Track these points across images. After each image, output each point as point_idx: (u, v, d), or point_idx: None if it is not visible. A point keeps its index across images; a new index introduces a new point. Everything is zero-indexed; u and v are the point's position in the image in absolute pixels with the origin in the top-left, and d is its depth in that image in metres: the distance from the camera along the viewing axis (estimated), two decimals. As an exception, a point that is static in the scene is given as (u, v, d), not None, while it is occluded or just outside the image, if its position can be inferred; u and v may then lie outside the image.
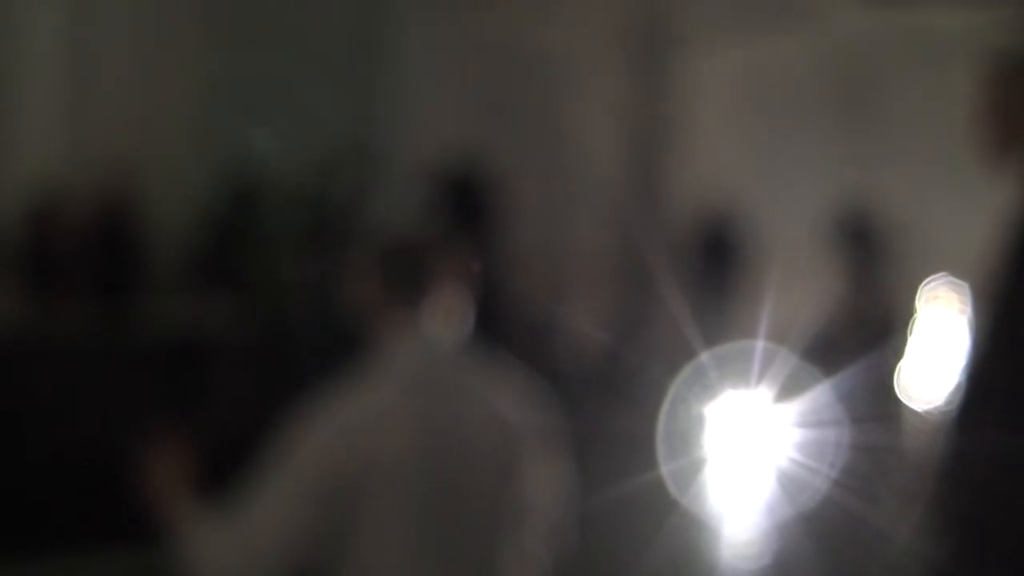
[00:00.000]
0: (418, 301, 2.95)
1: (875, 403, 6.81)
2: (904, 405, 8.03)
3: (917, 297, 8.82)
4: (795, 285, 10.07)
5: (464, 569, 2.90)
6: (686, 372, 6.40)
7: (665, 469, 6.01)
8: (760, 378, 5.89)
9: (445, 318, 2.98)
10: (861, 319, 7.43)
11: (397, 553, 2.82)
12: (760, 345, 5.84)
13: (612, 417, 7.75)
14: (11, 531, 4.74)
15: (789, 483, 6.15)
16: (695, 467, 6.87)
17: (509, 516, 2.95)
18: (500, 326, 5.97)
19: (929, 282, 8.89)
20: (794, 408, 6.12)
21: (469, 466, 2.90)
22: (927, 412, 7.51)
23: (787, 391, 6.04)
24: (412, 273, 2.95)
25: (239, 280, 9.19)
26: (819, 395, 6.02)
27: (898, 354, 8.07)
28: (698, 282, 10.95)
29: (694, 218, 12.21)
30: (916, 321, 8.71)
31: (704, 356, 6.36)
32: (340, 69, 12.18)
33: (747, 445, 6.97)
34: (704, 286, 10.85)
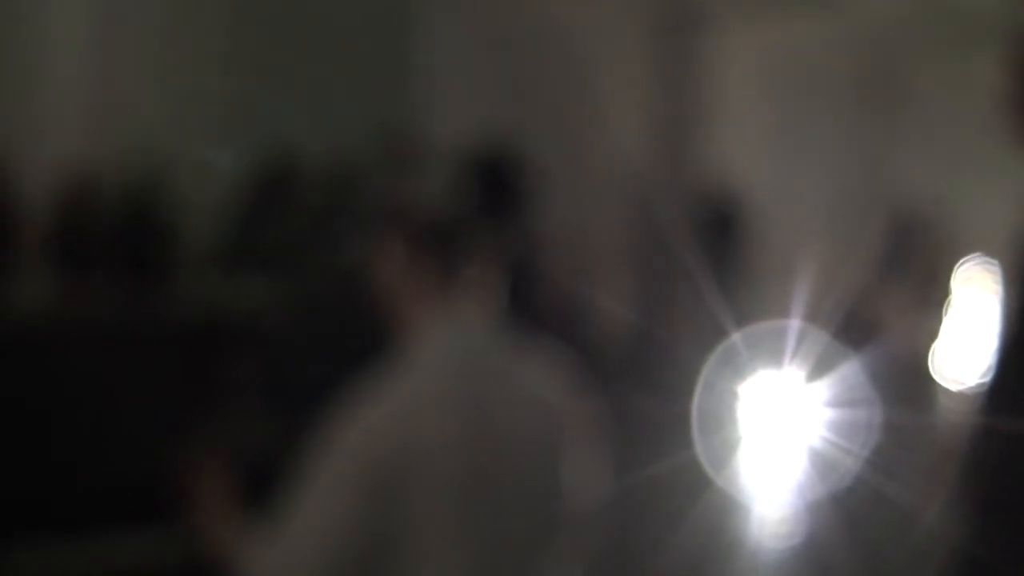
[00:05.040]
0: (453, 284, 2.89)
1: (908, 383, 6.81)
2: (937, 385, 8.02)
3: (951, 277, 8.80)
4: (818, 267, 10.05)
5: (509, 555, 2.87)
6: (717, 352, 6.40)
7: (698, 449, 6.01)
8: (792, 357, 5.88)
9: (480, 301, 2.95)
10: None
11: (443, 541, 2.77)
12: (792, 324, 5.83)
13: (644, 397, 7.75)
14: (39, 512, 4.77)
15: (821, 463, 6.15)
16: (728, 447, 6.87)
17: (552, 499, 2.93)
18: (529, 308, 5.97)
19: (963, 263, 8.88)
20: (826, 388, 6.12)
21: (512, 450, 2.85)
22: (960, 392, 7.49)
23: (819, 370, 6.04)
24: (446, 256, 2.89)
25: (271, 262, 9.20)
26: (851, 375, 6.01)
27: (932, 334, 8.06)
28: (701, 261, 10.90)
29: (698, 198, 12.17)
30: (950, 301, 8.69)
31: (735, 336, 6.35)
32: (369, 51, 12.19)
33: (779, 425, 6.97)
34: (707, 265, 10.80)
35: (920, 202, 12.02)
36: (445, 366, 2.86)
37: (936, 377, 8.13)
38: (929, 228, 11.06)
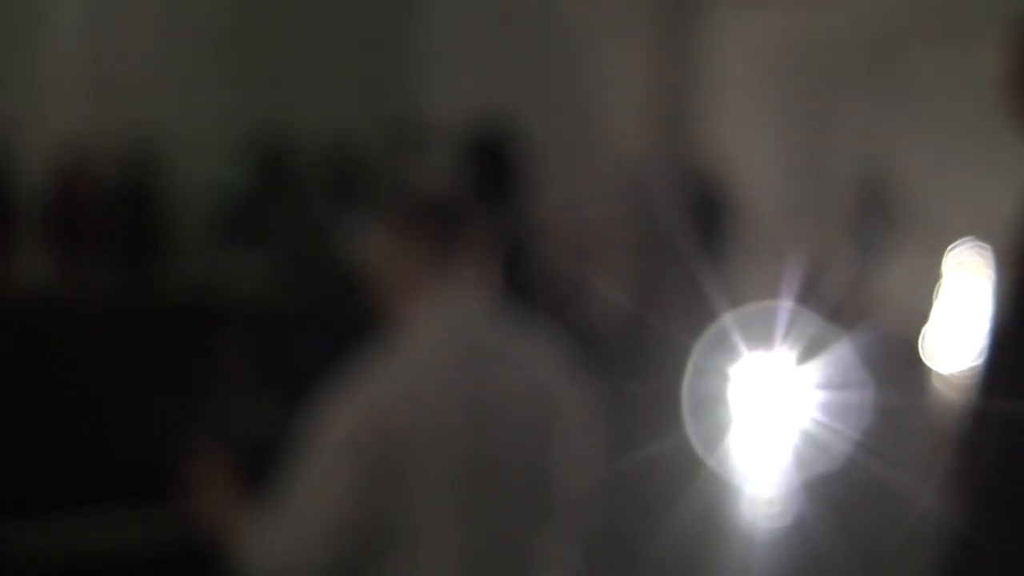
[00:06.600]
0: (449, 264, 2.88)
1: (900, 365, 6.82)
2: (929, 367, 8.05)
3: (943, 261, 8.83)
4: (810, 249, 10.07)
5: (505, 535, 2.87)
6: (709, 334, 6.40)
7: (689, 431, 6.02)
8: (783, 339, 5.89)
9: (476, 281, 2.95)
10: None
11: (440, 521, 2.78)
12: (783, 306, 5.84)
13: (637, 379, 7.77)
14: (34, 491, 4.78)
15: (812, 445, 6.17)
16: (719, 428, 6.90)
17: (547, 480, 2.93)
18: (525, 289, 5.98)
19: (955, 246, 8.90)
20: (817, 369, 6.13)
21: (509, 431, 2.84)
22: (952, 375, 7.53)
23: (810, 352, 6.05)
24: (443, 236, 2.88)
25: (270, 241, 9.21)
26: (842, 356, 6.03)
27: (924, 316, 8.08)
28: (694, 243, 10.91)
29: (692, 180, 12.17)
30: (942, 285, 8.72)
31: (727, 317, 6.36)
32: (368, 32, 12.18)
33: (770, 406, 7.00)
34: (699, 247, 10.82)
35: (911, 186, 12.05)
36: (442, 347, 2.86)
37: (927, 360, 8.15)
38: (918, 211, 11.05)
